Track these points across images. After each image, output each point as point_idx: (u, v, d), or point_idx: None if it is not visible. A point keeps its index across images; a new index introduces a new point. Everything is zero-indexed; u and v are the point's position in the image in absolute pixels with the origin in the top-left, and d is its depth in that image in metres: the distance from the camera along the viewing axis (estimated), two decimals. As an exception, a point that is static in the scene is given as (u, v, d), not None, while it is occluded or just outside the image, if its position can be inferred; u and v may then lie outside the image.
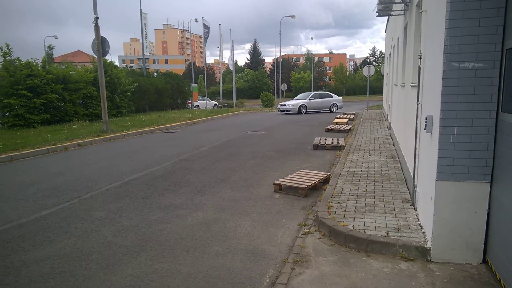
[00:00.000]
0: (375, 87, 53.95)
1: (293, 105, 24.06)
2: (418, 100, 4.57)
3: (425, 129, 3.77)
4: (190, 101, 31.40)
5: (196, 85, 34.95)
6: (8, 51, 15.49)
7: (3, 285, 3.32)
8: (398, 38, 9.42)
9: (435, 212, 3.45)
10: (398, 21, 9.50)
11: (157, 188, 6.46)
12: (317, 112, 24.78)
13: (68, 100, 17.26)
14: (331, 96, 26.39)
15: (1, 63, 15.47)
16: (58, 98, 16.58)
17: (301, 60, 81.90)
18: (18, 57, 15.97)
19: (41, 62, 17.06)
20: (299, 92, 68.14)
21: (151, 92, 24.43)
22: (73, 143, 11.54)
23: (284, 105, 24.76)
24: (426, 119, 3.75)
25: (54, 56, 64.78)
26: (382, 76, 26.30)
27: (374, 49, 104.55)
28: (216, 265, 3.61)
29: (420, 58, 4.54)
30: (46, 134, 12.83)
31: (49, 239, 4.30)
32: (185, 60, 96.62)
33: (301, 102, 24.24)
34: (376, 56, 76.36)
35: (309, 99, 24.84)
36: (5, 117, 15.41)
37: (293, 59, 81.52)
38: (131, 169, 8.03)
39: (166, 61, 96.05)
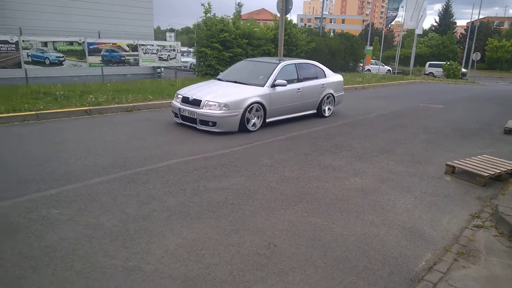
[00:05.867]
0: None
1: (232, 103, 7.12)
2: None
3: None
4: (361, 64, 30.24)
5: (371, 47, 33.24)
6: (208, 8, 17.74)
7: (191, 202, 4.09)
8: None
9: None
10: None
11: (319, 147, 6.64)
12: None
13: (250, 55, 18.93)
14: (324, 75, 9.41)
15: (202, 19, 17.88)
16: (242, 52, 18.35)
17: (505, 25, 67.38)
18: (215, 14, 18.14)
19: (231, 18, 18.97)
20: (494, 65, 55.28)
21: (324, 52, 24.46)
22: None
23: (207, 103, 7.17)
24: None
25: (242, 13, 71.15)
26: None
27: None
28: (368, 233, 3.58)
29: None
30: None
31: (225, 174, 5.02)
32: (363, 21, 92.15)
33: (249, 97, 7.36)
34: None
35: (274, 83, 7.77)
36: (200, 66, 18.10)
37: (495, 24, 67.71)
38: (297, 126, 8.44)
39: (343, 21, 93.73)
